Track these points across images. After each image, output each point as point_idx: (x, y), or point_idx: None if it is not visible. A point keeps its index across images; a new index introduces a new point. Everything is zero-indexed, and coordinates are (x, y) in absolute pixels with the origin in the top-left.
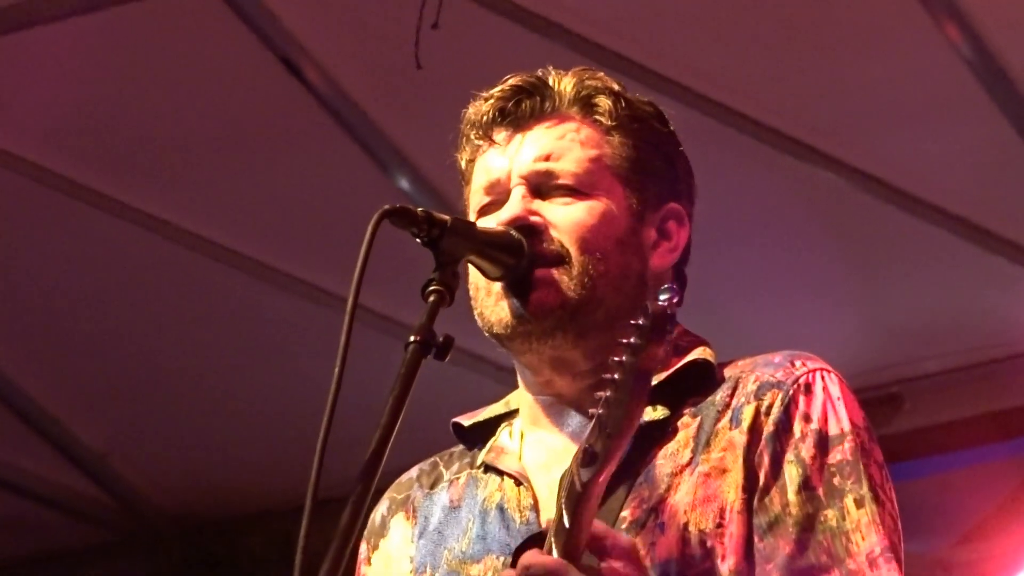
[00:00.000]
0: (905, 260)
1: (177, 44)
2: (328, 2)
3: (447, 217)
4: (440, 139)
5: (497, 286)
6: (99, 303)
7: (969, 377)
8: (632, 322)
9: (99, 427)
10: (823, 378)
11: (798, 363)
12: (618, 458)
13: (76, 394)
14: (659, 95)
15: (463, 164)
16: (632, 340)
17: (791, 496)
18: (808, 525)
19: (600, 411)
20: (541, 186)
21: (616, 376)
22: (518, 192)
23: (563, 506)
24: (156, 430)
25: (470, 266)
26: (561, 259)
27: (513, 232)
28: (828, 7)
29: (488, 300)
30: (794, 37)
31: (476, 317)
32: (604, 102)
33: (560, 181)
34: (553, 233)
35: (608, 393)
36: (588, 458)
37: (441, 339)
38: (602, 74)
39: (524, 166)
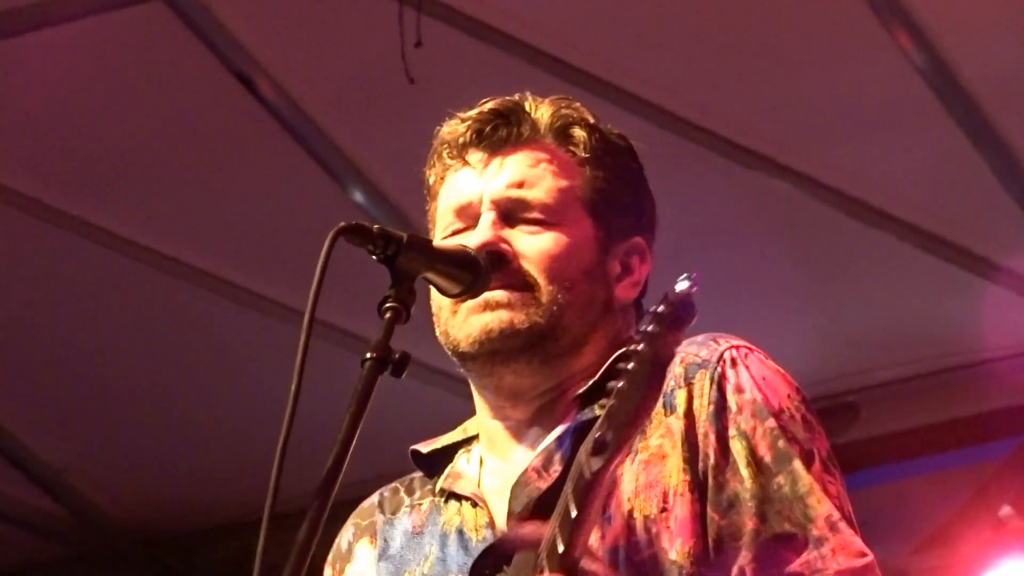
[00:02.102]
0: (860, 269)
1: (132, 60)
2: (283, 19)
3: (403, 234)
4: (394, 153)
5: (466, 304)
6: (54, 318)
7: (925, 386)
8: (652, 309)
9: (56, 442)
10: (747, 351)
11: (721, 341)
12: (630, 447)
13: (33, 409)
14: (614, 107)
15: (431, 180)
16: (650, 328)
17: (743, 471)
18: (764, 496)
19: (612, 402)
20: (511, 213)
21: (631, 365)
22: (488, 217)
23: (570, 496)
24: (113, 445)
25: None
26: (529, 287)
27: (470, 249)
28: (781, 18)
29: (454, 319)
30: (747, 48)
31: (439, 336)
32: (579, 133)
33: (531, 211)
34: (522, 263)
35: (621, 383)
36: (598, 447)
37: (397, 356)
38: (578, 104)
39: (496, 192)
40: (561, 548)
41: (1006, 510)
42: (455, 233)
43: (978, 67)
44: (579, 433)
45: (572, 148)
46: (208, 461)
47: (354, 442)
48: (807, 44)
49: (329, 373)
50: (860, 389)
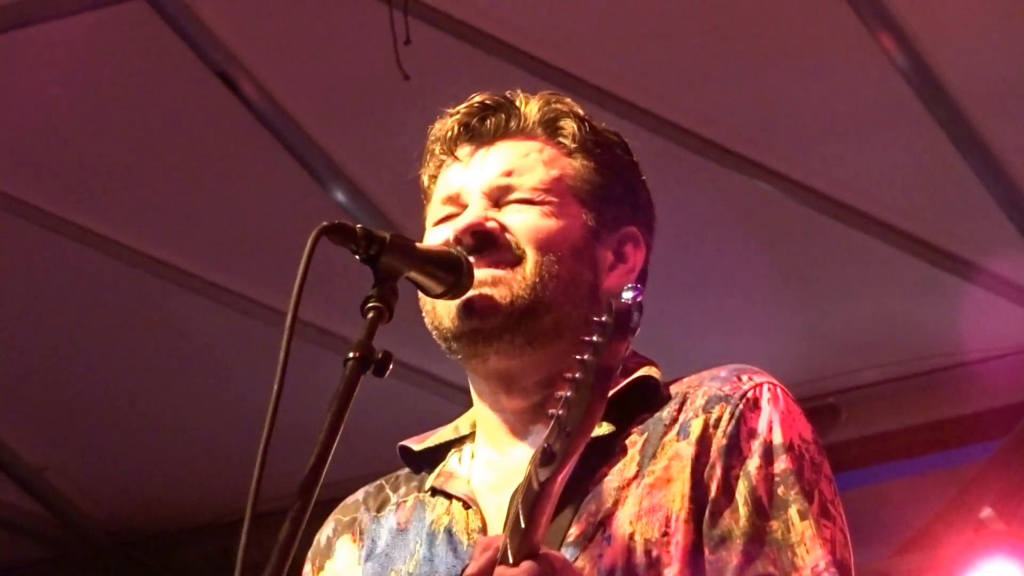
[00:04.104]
0: (841, 271)
1: (114, 59)
2: (264, 18)
3: (386, 234)
4: (377, 153)
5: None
6: (34, 317)
7: (905, 388)
8: (596, 319)
9: (36, 441)
10: (770, 391)
11: (744, 377)
12: (576, 457)
13: (13, 409)
14: (597, 108)
15: (425, 180)
16: (595, 338)
17: (740, 509)
18: (755, 537)
19: (560, 412)
20: (500, 199)
21: (578, 375)
22: (477, 203)
23: (519, 507)
24: (93, 445)
25: None
26: (516, 261)
27: (453, 250)
28: (764, 20)
29: (441, 300)
30: (730, 50)
31: (427, 322)
32: (569, 125)
33: (518, 194)
34: (508, 237)
35: (568, 393)
36: (546, 457)
37: (380, 355)
38: (568, 99)
39: (485, 181)
40: (511, 560)
41: (987, 512)
42: (444, 219)
43: (960, 69)
44: None
45: (561, 140)
46: (189, 461)
47: (336, 442)
48: (790, 46)
49: (311, 373)
50: (841, 391)
